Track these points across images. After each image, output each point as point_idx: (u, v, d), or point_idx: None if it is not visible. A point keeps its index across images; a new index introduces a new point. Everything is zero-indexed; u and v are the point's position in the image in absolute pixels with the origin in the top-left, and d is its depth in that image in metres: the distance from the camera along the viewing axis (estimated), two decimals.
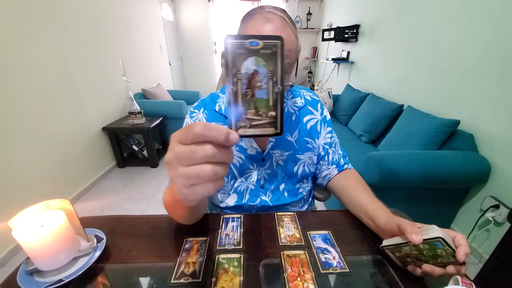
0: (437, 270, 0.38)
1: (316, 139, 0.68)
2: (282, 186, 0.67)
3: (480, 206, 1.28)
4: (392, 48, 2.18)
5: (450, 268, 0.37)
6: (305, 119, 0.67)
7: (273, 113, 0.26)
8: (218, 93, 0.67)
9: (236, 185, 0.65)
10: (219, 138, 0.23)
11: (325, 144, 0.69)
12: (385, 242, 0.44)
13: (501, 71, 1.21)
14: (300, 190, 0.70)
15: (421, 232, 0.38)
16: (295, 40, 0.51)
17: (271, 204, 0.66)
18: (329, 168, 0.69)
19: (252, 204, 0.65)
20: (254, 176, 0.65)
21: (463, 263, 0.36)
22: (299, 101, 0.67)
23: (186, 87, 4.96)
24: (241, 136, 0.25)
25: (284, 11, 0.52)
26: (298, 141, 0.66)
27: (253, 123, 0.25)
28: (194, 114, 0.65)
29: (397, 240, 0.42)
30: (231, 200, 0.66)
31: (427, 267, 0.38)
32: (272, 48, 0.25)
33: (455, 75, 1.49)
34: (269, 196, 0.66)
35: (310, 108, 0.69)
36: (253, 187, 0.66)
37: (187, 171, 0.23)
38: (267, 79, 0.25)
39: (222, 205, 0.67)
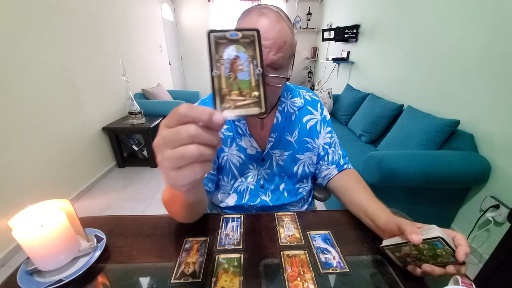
0: (437, 270, 0.38)
1: (316, 139, 0.68)
2: (282, 186, 0.67)
3: (480, 206, 1.28)
4: (392, 48, 2.18)
5: (450, 268, 0.37)
6: (304, 119, 0.67)
7: (256, 93, 0.26)
8: None
9: (236, 185, 0.65)
10: (202, 118, 0.23)
11: (324, 144, 0.69)
12: (385, 242, 0.44)
13: (501, 71, 1.20)
14: (300, 190, 0.70)
15: (421, 232, 0.38)
16: (290, 33, 0.51)
17: (271, 204, 0.66)
18: (329, 168, 0.69)
19: (252, 204, 0.65)
20: (253, 176, 0.65)
21: (463, 263, 0.36)
22: (299, 101, 0.67)
23: (186, 87, 4.96)
24: (227, 118, 0.25)
25: (279, 9, 0.53)
26: (298, 141, 0.66)
27: (238, 103, 0.26)
28: None
29: (397, 240, 0.42)
30: (231, 200, 0.66)
31: (427, 267, 0.38)
32: (250, 37, 0.26)
33: (455, 75, 1.48)
34: (269, 196, 0.66)
35: (309, 108, 0.69)
36: (253, 187, 0.66)
37: (173, 152, 0.24)
38: (248, 62, 0.26)
39: (222, 205, 0.67)
